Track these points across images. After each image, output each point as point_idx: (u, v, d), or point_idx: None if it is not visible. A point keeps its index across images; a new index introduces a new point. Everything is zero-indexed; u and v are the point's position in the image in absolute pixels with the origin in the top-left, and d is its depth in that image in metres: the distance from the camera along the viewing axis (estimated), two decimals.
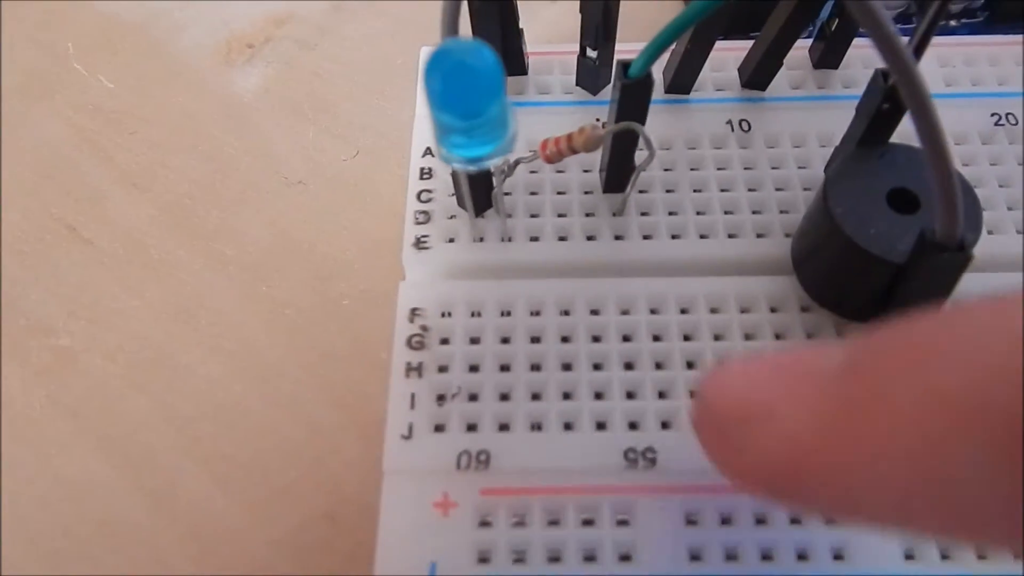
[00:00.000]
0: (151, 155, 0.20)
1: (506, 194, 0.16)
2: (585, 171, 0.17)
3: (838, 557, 0.13)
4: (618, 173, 0.16)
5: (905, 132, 0.14)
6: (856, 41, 0.17)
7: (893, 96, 0.13)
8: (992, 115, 0.17)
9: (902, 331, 0.08)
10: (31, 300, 0.18)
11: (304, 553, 0.15)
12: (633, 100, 0.14)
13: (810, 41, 0.18)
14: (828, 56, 0.17)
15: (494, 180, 0.15)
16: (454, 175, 0.15)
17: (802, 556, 0.13)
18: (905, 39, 0.11)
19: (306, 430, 0.16)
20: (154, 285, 0.18)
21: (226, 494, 0.15)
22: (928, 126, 0.10)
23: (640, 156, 0.16)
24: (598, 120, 0.18)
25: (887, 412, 0.08)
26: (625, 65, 0.13)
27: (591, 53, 0.17)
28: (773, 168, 0.17)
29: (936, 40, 0.18)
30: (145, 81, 0.21)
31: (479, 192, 0.15)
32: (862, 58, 0.18)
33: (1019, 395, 0.07)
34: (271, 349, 0.17)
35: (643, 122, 0.14)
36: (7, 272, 0.18)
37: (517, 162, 0.15)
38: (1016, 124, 0.17)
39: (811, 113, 0.17)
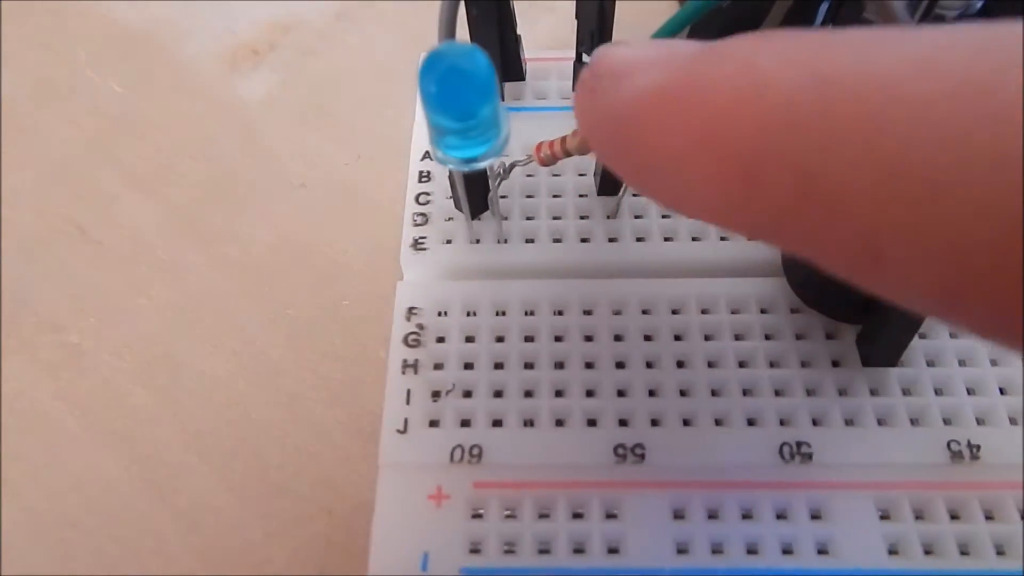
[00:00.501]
0: (159, 159, 0.20)
1: (502, 197, 0.17)
2: (580, 175, 0.17)
3: (822, 552, 0.13)
4: (612, 176, 0.16)
5: None
6: None
7: None
8: None
9: (751, 40, 0.09)
10: (41, 298, 0.18)
11: (301, 545, 0.15)
12: None
13: None
14: None
15: (490, 183, 0.15)
16: (451, 178, 0.16)
17: (787, 551, 0.13)
18: None
19: (305, 427, 0.17)
20: (160, 285, 0.18)
21: (227, 488, 0.16)
22: None
23: None
24: None
25: (705, 90, 0.09)
26: None
27: (587, 59, 0.17)
28: None
29: None
30: (154, 87, 0.22)
31: (475, 194, 0.15)
32: None
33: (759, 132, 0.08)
34: (273, 348, 0.17)
35: None
36: (18, 270, 0.19)
37: (512, 165, 0.16)
38: None
39: None
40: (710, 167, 0.09)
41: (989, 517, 0.13)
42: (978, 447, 0.14)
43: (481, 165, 0.12)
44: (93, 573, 0.15)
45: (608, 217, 0.17)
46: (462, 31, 0.14)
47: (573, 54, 0.18)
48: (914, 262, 0.07)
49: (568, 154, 0.15)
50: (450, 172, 0.16)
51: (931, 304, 0.08)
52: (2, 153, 0.21)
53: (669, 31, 0.13)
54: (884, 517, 0.13)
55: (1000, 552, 0.13)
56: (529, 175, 0.17)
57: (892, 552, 0.13)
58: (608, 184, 0.17)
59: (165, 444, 0.16)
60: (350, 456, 0.16)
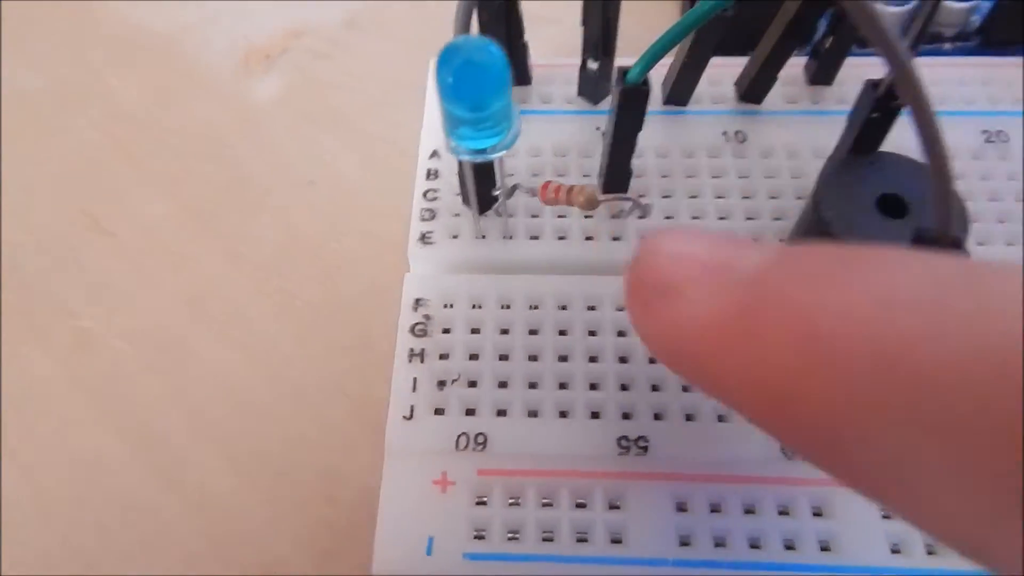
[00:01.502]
0: (173, 160, 0.21)
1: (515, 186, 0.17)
2: (584, 176, 0.18)
3: (825, 549, 0.13)
4: (616, 179, 0.17)
5: (892, 142, 0.15)
6: (849, 60, 0.18)
7: (883, 105, 0.14)
8: (983, 132, 0.18)
9: (811, 263, 0.09)
10: (54, 286, 0.18)
11: (304, 530, 0.15)
12: (631, 106, 0.15)
13: (805, 59, 0.19)
14: (822, 73, 0.18)
15: (496, 187, 0.16)
16: (461, 174, 0.16)
17: (789, 547, 0.13)
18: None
19: (311, 416, 0.17)
20: (171, 276, 0.19)
21: (233, 473, 0.16)
22: (923, 116, 0.11)
23: (635, 164, 0.17)
24: (598, 128, 0.18)
25: (760, 337, 0.09)
26: (624, 71, 0.14)
27: (592, 65, 0.18)
28: (767, 177, 0.17)
29: (931, 60, 0.19)
30: (169, 90, 0.22)
31: (484, 190, 0.16)
32: (855, 76, 0.18)
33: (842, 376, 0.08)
34: (280, 339, 0.18)
35: (640, 127, 0.15)
36: (36, 260, 0.19)
37: (515, 187, 0.16)
38: (1007, 142, 0.17)
39: (805, 127, 0.18)
40: (770, 412, 0.09)
41: None
42: None
43: (491, 157, 0.12)
44: (97, 551, 0.15)
45: (612, 216, 0.17)
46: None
47: (577, 61, 0.18)
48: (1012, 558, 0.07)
49: (571, 204, 0.15)
50: (459, 168, 0.16)
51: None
52: (21, 150, 0.21)
53: (673, 37, 0.14)
54: (886, 516, 0.13)
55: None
56: (535, 174, 0.18)
57: (895, 551, 0.13)
58: (612, 186, 0.17)
59: (172, 429, 0.16)
60: (353, 444, 0.16)
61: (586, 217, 0.17)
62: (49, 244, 0.19)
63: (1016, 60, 0.19)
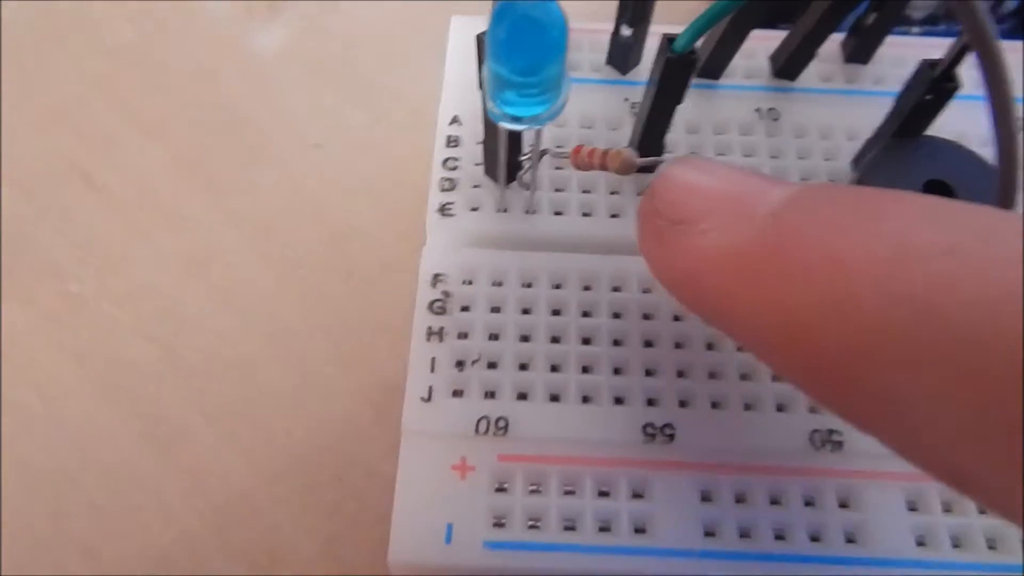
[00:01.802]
0: (167, 104, 0.20)
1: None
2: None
3: (851, 541, 0.13)
4: (648, 153, 0.16)
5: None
6: (888, 39, 0.17)
7: (937, 87, 0.13)
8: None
9: (833, 204, 0.09)
10: (40, 243, 0.17)
11: (310, 512, 0.15)
12: (675, 76, 0.14)
13: (842, 35, 0.18)
14: (860, 51, 0.18)
15: (524, 161, 0.15)
16: (486, 144, 0.15)
17: (815, 538, 0.13)
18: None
19: (315, 390, 0.16)
20: (167, 235, 0.18)
21: (232, 449, 0.15)
22: (1002, 103, 0.10)
23: (670, 140, 0.16)
24: (626, 99, 0.17)
25: (781, 273, 0.09)
26: (670, 39, 0.13)
27: (626, 32, 0.17)
28: (800, 158, 0.17)
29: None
30: (163, 31, 0.21)
31: (512, 158, 0.15)
32: (892, 56, 0.18)
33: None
34: (282, 308, 0.17)
35: (681, 99, 0.14)
36: (16, 212, 0.18)
37: (544, 152, 0.15)
38: None
39: (839, 107, 0.17)
40: (789, 355, 0.09)
41: None
42: None
43: (534, 125, 0.12)
44: (90, 528, 0.14)
45: (639, 194, 0.16)
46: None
47: (600, 26, 0.17)
48: (1003, 491, 0.08)
49: (604, 168, 0.14)
50: (485, 136, 0.15)
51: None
52: (4, 90, 0.20)
53: (709, 18, 0.13)
54: (913, 509, 0.13)
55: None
56: (559, 146, 0.17)
57: (920, 543, 0.13)
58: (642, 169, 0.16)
59: (167, 400, 0.16)
60: (362, 424, 0.16)
61: (612, 193, 0.16)
62: (33, 197, 0.18)
63: (1016, 44, 0.18)
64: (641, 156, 0.16)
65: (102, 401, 0.16)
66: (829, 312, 0.08)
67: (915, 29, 0.20)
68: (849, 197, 0.09)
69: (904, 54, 0.18)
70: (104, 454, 0.15)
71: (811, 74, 0.18)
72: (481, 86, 0.14)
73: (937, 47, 0.15)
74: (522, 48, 0.10)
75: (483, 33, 0.13)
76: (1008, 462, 0.07)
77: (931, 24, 0.20)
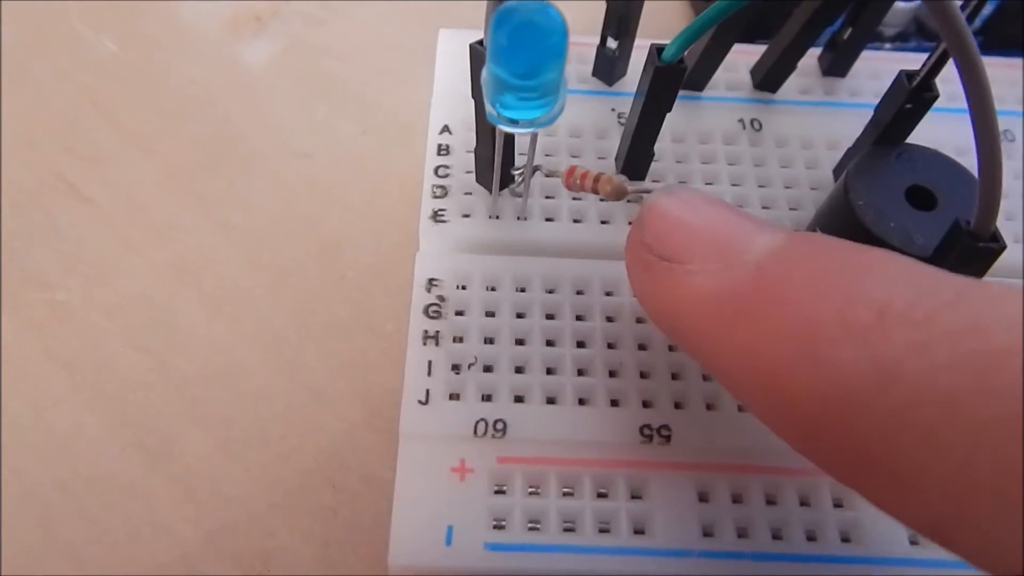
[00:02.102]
0: (155, 119, 0.19)
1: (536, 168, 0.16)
2: (600, 158, 0.17)
3: (846, 540, 0.13)
4: (637, 161, 0.16)
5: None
6: (863, 54, 0.18)
7: (916, 96, 0.14)
8: None
9: (817, 260, 0.09)
10: (28, 253, 0.17)
11: (305, 518, 0.14)
12: (664, 85, 0.14)
13: (819, 50, 0.18)
14: (837, 65, 0.18)
15: (516, 174, 0.15)
16: (479, 150, 0.16)
17: (811, 537, 0.13)
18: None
19: (307, 397, 0.16)
20: (156, 246, 0.17)
21: (225, 457, 0.15)
22: (981, 111, 0.10)
23: (656, 149, 0.16)
24: (613, 110, 0.18)
25: (759, 325, 0.09)
26: (658, 49, 0.14)
27: (611, 44, 0.17)
28: (783, 167, 0.17)
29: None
30: (150, 46, 0.21)
31: (507, 165, 0.15)
32: (868, 70, 0.18)
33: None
34: (274, 316, 0.17)
35: (670, 108, 0.15)
36: (4, 224, 0.17)
37: (537, 168, 0.16)
38: (1013, 140, 0.18)
39: (819, 117, 0.18)
40: (762, 401, 0.09)
41: None
42: None
43: (531, 129, 0.12)
44: (81, 537, 0.14)
45: (628, 201, 0.17)
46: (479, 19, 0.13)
47: (587, 39, 0.18)
48: (986, 548, 0.08)
49: (595, 193, 0.15)
50: (477, 146, 0.16)
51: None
52: None
53: (714, 16, 0.13)
54: None
55: None
56: (548, 155, 0.17)
57: (913, 542, 0.13)
58: (632, 168, 0.16)
59: (158, 409, 0.15)
60: (355, 429, 0.16)
61: (601, 200, 0.17)
62: (19, 208, 0.18)
63: (1016, 61, 0.19)
64: (629, 161, 0.16)
65: (92, 410, 0.15)
66: (802, 369, 0.09)
67: (887, 45, 0.21)
68: (833, 255, 0.09)
69: (879, 68, 0.19)
70: (95, 462, 0.15)
71: (791, 87, 0.18)
72: (473, 95, 0.14)
73: (911, 61, 0.15)
74: (523, 51, 0.10)
75: (476, 42, 0.13)
76: (974, 519, 0.07)
77: (902, 41, 0.21)
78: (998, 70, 0.19)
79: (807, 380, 0.09)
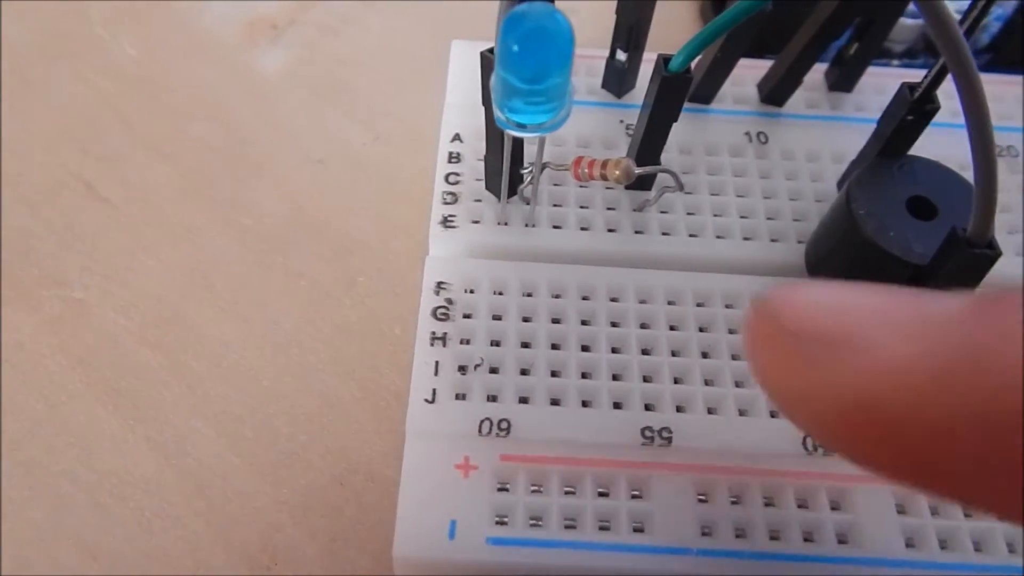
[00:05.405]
0: (171, 122, 0.20)
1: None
2: None
3: (842, 541, 0.13)
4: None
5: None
6: (870, 70, 0.18)
7: (917, 109, 0.14)
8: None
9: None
10: (44, 251, 0.18)
11: (312, 515, 0.15)
12: (670, 94, 0.15)
13: (826, 65, 0.19)
14: (843, 80, 0.18)
15: (525, 174, 0.16)
16: (489, 158, 0.16)
17: (808, 538, 0.13)
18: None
19: (317, 398, 0.16)
20: (170, 246, 0.18)
21: (235, 454, 0.15)
22: (977, 119, 0.11)
23: (664, 160, 0.17)
24: (622, 121, 0.18)
25: (987, 387, 0.07)
26: (665, 59, 0.14)
27: (621, 56, 0.18)
28: (788, 179, 0.17)
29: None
30: (167, 51, 0.22)
31: (515, 171, 0.15)
32: (874, 85, 0.19)
33: None
34: (285, 318, 0.17)
35: (676, 118, 0.15)
36: (21, 223, 0.18)
37: (546, 165, 0.16)
38: (1016, 156, 0.18)
39: (825, 131, 0.18)
40: (982, 469, 0.07)
41: None
42: None
43: (539, 133, 0.12)
44: (91, 529, 0.14)
45: (635, 210, 0.17)
46: (489, 29, 0.13)
47: (596, 52, 0.18)
48: None
49: (605, 179, 0.15)
50: (487, 154, 0.16)
51: None
52: (8, 104, 0.20)
53: (719, 27, 0.14)
54: (901, 511, 0.14)
55: (1011, 549, 0.13)
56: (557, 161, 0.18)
57: (909, 544, 0.13)
58: (640, 178, 0.17)
59: (171, 405, 0.16)
60: (363, 429, 0.16)
61: (609, 209, 0.17)
62: (36, 206, 0.18)
63: (1017, 78, 0.19)
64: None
65: (106, 405, 0.16)
66: None
67: (895, 62, 0.21)
68: None
69: (885, 83, 0.19)
70: (107, 456, 0.15)
71: (797, 101, 0.19)
72: (484, 101, 0.14)
73: (916, 77, 0.16)
74: (531, 56, 0.10)
75: (487, 50, 0.13)
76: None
77: (910, 57, 0.21)
78: (1001, 87, 0.19)
79: None
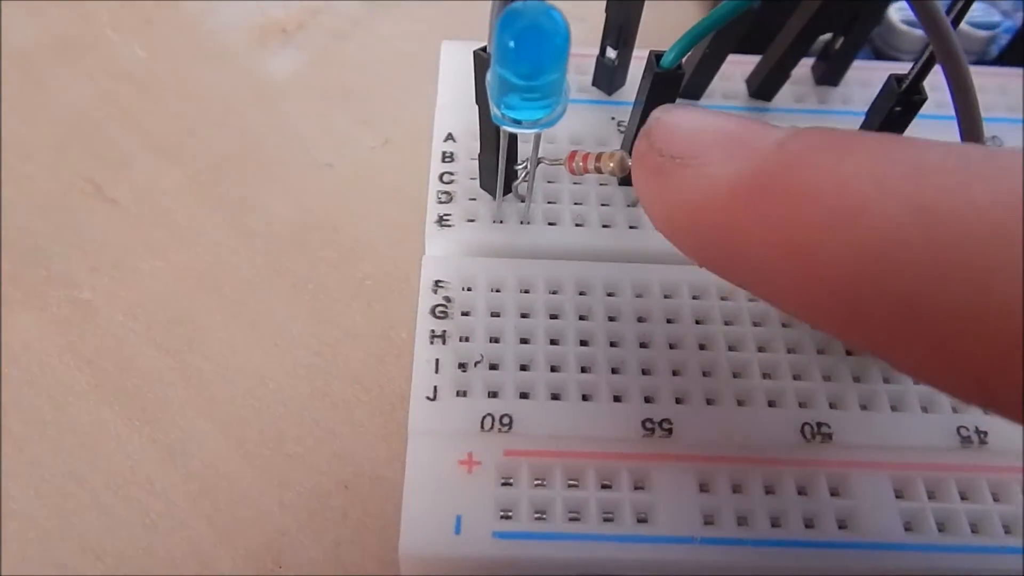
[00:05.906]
0: (180, 125, 0.20)
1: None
2: None
3: (842, 526, 0.14)
4: None
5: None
6: (855, 64, 0.19)
7: (905, 100, 0.14)
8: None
9: (835, 137, 0.09)
10: (52, 252, 0.18)
11: (317, 518, 0.15)
12: (663, 91, 0.15)
13: (812, 60, 0.19)
14: (829, 74, 0.19)
15: (520, 170, 0.16)
16: (483, 156, 0.16)
17: (809, 524, 0.14)
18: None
19: (323, 401, 0.16)
20: (178, 249, 0.18)
21: (241, 456, 0.15)
22: (965, 104, 0.11)
23: None
24: (613, 118, 0.18)
25: (789, 197, 0.09)
26: (657, 56, 0.14)
27: (611, 54, 0.18)
28: None
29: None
30: (177, 54, 0.22)
31: (510, 168, 0.16)
32: (860, 78, 0.19)
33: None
34: (292, 321, 0.17)
35: None
36: (30, 223, 0.18)
37: (540, 160, 0.16)
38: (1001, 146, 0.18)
39: (813, 125, 0.18)
40: (799, 281, 0.09)
41: (996, 498, 0.14)
42: (985, 433, 0.14)
43: (535, 129, 0.12)
44: (96, 530, 0.14)
45: (629, 205, 0.17)
46: (482, 30, 0.13)
47: (588, 51, 0.18)
48: None
49: (599, 172, 0.15)
50: (481, 152, 0.16)
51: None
52: (17, 105, 0.20)
53: (711, 24, 0.14)
54: (900, 496, 0.14)
55: (1007, 531, 0.14)
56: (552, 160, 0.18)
57: (907, 528, 0.14)
58: (630, 178, 0.17)
59: (177, 407, 0.16)
60: (369, 433, 0.16)
61: (603, 205, 0.17)
62: (44, 207, 0.18)
63: (1016, 71, 0.20)
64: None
65: (113, 406, 0.16)
66: (839, 227, 0.08)
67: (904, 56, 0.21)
68: (852, 133, 0.09)
69: (871, 77, 0.19)
70: (113, 457, 0.15)
71: (786, 95, 0.19)
72: (478, 99, 0.15)
73: (900, 70, 0.16)
74: (528, 53, 0.11)
75: (480, 48, 0.13)
76: None
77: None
78: (984, 79, 0.19)
79: (846, 240, 0.08)
